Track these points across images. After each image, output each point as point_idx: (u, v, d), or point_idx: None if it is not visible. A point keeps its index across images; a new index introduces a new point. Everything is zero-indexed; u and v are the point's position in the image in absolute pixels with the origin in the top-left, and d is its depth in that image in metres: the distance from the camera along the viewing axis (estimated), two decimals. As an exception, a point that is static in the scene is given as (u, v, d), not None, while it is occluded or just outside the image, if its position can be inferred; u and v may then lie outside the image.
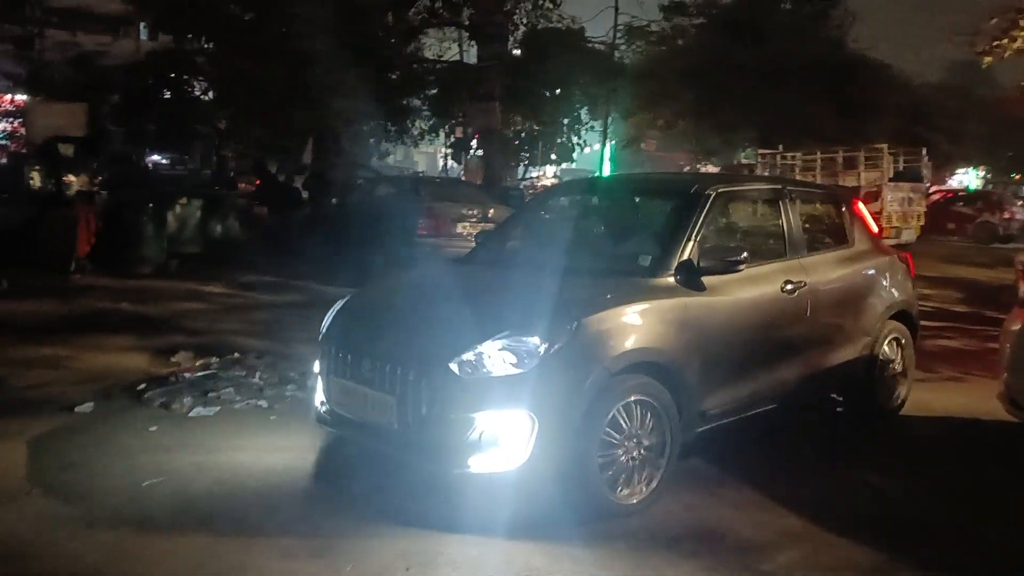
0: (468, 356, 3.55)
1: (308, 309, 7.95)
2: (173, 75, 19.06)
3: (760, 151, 20.31)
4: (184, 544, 3.43)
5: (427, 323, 3.92)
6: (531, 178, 25.58)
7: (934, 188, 24.35)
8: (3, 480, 4.05)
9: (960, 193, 27.04)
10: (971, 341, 8.26)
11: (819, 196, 5.68)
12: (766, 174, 17.07)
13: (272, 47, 14.97)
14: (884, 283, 5.35)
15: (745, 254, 4.20)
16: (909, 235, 17.20)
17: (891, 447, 5.04)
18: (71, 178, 12.25)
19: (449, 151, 25.46)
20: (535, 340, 3.54)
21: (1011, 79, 24.66)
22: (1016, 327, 4.67)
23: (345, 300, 4.56)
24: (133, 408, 5.26)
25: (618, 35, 21.50)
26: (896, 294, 5.40)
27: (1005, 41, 12.41)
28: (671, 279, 4.05)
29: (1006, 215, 21.80)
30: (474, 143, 22.44)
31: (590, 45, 21.58)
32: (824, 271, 4.91)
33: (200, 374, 5.94)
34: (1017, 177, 41.67)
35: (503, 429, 3.48)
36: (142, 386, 5.61)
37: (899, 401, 5.47)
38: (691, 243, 4.18)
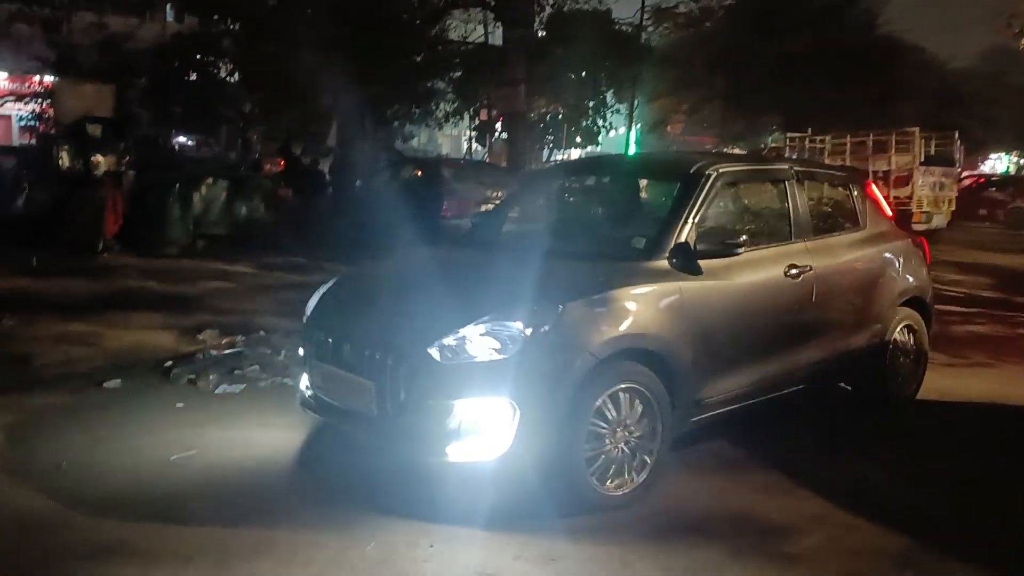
0: (448, 341, 3.42)
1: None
2: (199, 57, 19.13)
3: (788, 135, 20.00)
4: (212, 518, 3.46)
5: (408, 307, 3.80)
6: (556, 161, 25.47)
7: (966, 173, 23.88)
8: (35, 453, 4.12)
9: (992, 178, 26.55)
10: (1002, 327, 8.13)
11: (829, 177, 5.39)
12: (794, 157, 16.85)
13: (297, 29, 14.97)
14: (897, 268, 5.15)
15: (745, 237, 4.06)
16: (940, 220, 16.89)
17: (919, 434, 4.96)
18: (99, 159, 12.37)
19: (473, 134, 25.36)
20: (518, 325, 3.41)
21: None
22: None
23: (330, 283, 4.46)
24: (160, 385, 5.31)
25: (645, 17, 21.26)
26: (909, 280, 5.21)
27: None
28: (665, 262, 3.90)
29: (1039, 201, 21.37)
30: (499, 126, 22.35)
31: (617, 27, 21.35)
32: (832, 255, 4.73)
33: (226, 352, 6.00)
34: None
35: (483, 417, 3.36)
36: (169, 363, 5.67)
37: (912, 390, 5.31)
38: (689, 225, 4.02)
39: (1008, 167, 40.29)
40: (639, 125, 25.49)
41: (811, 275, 4.48)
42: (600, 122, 22.52)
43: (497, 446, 3.37)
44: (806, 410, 4.98)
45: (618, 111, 23.18)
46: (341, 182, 14.90)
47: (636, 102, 21.63)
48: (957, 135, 18.71)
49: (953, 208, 17.51)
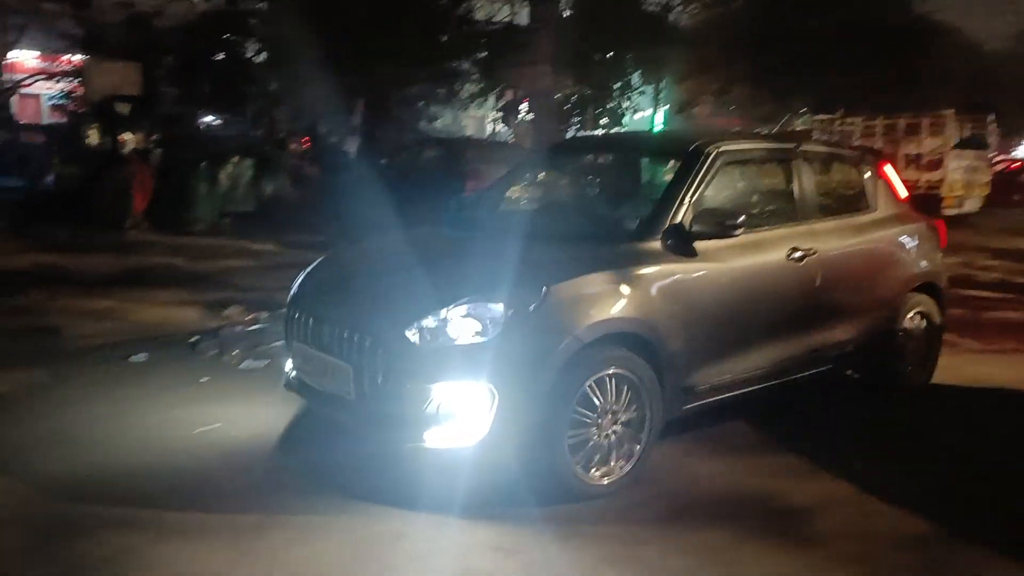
0: (426, 323, 3.29)
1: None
2: (226, 36, 19.20)
3: (818, 117, 19.69)
4: (235, 488, 3.51)
5: (387, 288, 3.68)
6: (580, 143, 25.27)
7: (1000, 157, 23.41)
8: (62, 423, 4.19)
9: (1027, 163, 25.96)
10: (1034, 314, 7.97)
11: (839, 157, 5.18)
12: (823, 139, 16.61)
13: (322, 8, 14.98)
14: (908, 252, 4.97)
15: (743, 217, 3.83)
16: (972, 204, 16.58)
17: (942, 421, 4.88)
18: (126, 136, 12.50)
19: (498, 115, 25.26)
20: (499, 307, 3.29)
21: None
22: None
23: (316, 263, 4.38)
24: (186, 359, 5.38)
25: (673, -4, 21.00)
26: (922, 265, 5.03)
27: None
28: (658, 244, 3.76)
29: (1075, 186, 20.89)
30: (523, 107, 22.22)
31: (644, 7, 21.12)
32: (838, 238, 4.54)
33: (250, 328, 6.06)
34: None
35: (461, 402, 3.25)
36: (194, 338, 5.74)
37: (923, 378, 5.16)
38: (684, 205, 3.86)
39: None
40: (665, 107, 25.23)
41: (815, 259, 4.33)
42: (625, 103, 22.35)
43: (475, 432, 3.27)
44: (823, 395, 4.92)
45: (644, 93, 22.97)
46: (366, 162, 14.92)
47: (662, 83, 21.41)
48: (992, 118, 18.34)
49: (987, 192, 17.18)
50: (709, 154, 4.08)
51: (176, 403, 4.52)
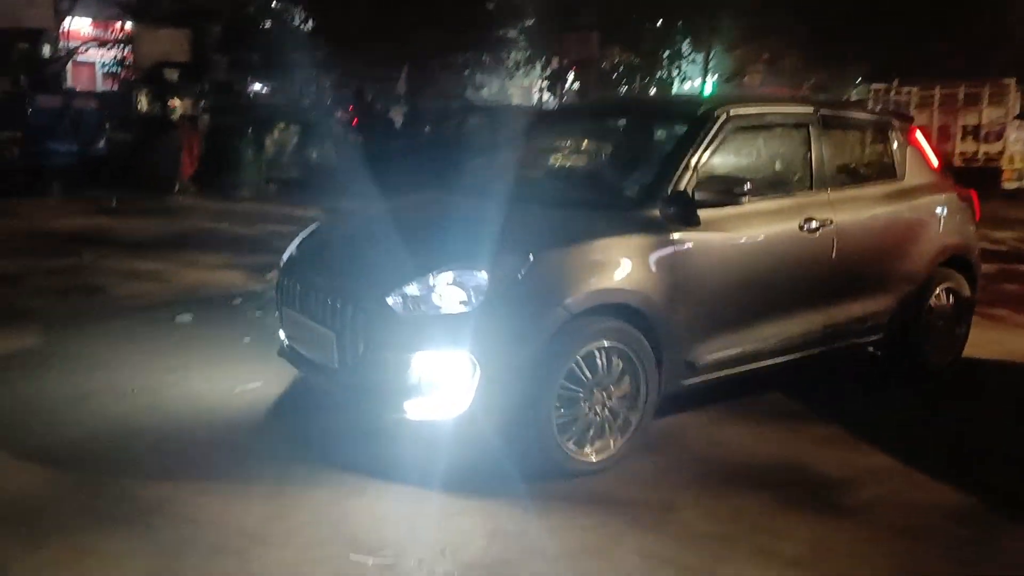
0: (408, 290, 3.19)
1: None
2: (274, 4, 19.39)
3: (873, 86, 19.08)
4: (270, 445, 3.58)
5: (371, 254, 3.56)
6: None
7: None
8: (112, 377, 4.31)
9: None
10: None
11: (863, 123, 4.84)
12: (877, 109, 16.14)
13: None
14: (937, 224, 4.66)
15: (749, 185, 3.60)
16: (1034, 179, 16.00)
17: (981, 395, 4.74)
18: (175, 102, 12.70)
19: (545, 83, 25.05)
20: (482, 275, 3.17)
21: None
22: None
23: (310, 229, 4.28)
24: (229, 320, 5.48)
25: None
26: (952, 238, 4.73)
27: None
28: (659, 212, 3.57)
29: None
30: (570, 75, 22.00)
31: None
32: (858, 208, 4.29)
33: (291, 291, 6.12)
34: None
35: (443, 373, 3.14)
36: (237, 300, 5.84)
37: (951, 358, 4.85)
38: (688, 171, 3.66)
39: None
40: (716, 76, 24.73)
41: (831, 229, 4.09)
42: (674, 72, 21.98)
43: (456, 404, 3.16)
44: (857, 371, 4.79)
45: (694, 61, 22.55)
46: (411, 129, 14.95)
47: (713, 52, 20.97)
48: (1058, 87, 17.58)
49: (1050, 166, 16.53)
50: (718, 118, 3.87)
51: (218, 362, 4.61)
